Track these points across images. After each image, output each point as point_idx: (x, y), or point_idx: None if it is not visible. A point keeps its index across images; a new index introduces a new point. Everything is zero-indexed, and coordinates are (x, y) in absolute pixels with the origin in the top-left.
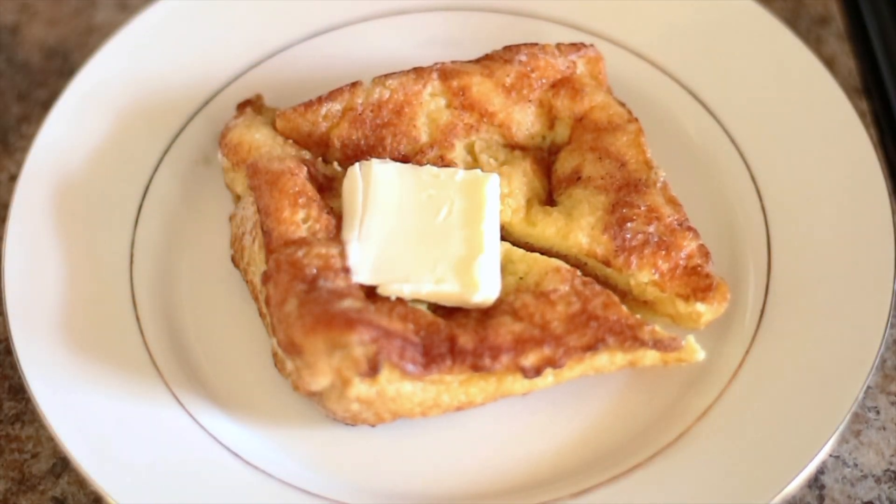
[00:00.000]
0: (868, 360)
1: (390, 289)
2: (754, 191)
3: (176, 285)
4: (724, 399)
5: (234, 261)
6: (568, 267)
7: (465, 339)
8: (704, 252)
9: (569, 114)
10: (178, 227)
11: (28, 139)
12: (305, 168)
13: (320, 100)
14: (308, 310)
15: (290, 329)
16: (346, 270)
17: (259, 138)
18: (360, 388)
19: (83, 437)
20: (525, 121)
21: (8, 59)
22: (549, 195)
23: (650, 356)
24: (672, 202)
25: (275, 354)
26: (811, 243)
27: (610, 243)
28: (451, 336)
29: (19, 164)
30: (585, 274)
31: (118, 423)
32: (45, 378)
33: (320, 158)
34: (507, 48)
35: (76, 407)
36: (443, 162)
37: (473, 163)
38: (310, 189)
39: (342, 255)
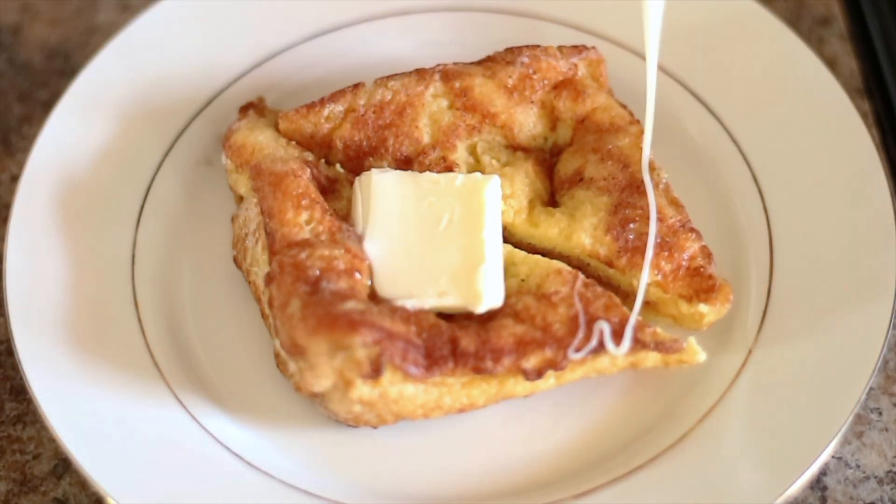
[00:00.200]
0: (870, 362)
1: (394, 304)
2: (756, 191)
3: (178, 286)
4: (726, 400)
5: (237, 262)
6: (569, 269)
7: (467, 342)
8: (707, 253)
9: (571, 115)
10: (179, 228)
11: (30, 140)
12: (308, 170)
13: (322, 101)
14: (311, 311)
15: (293, 330)
16: (350, 272)
17: (262, 140)
18: (363, 389)
19: (85, 437)
20: (527, 122)
21: (9, 59)
22: (551, 196)
23: (652, 358)
24: (674, 203)
25: (277, 356)
26: (813, 244)
27: (613, 244)
28: (453, 338)
29: (21, 165)
30: (588, 275)
31: (120, 423)
32: (47, 379)
33: (323, 160)
34: (509, 50)
35: (78, 408)
36: (445, 163)
37: (475, 164)
38: (313, 191)
39: (345, 257)
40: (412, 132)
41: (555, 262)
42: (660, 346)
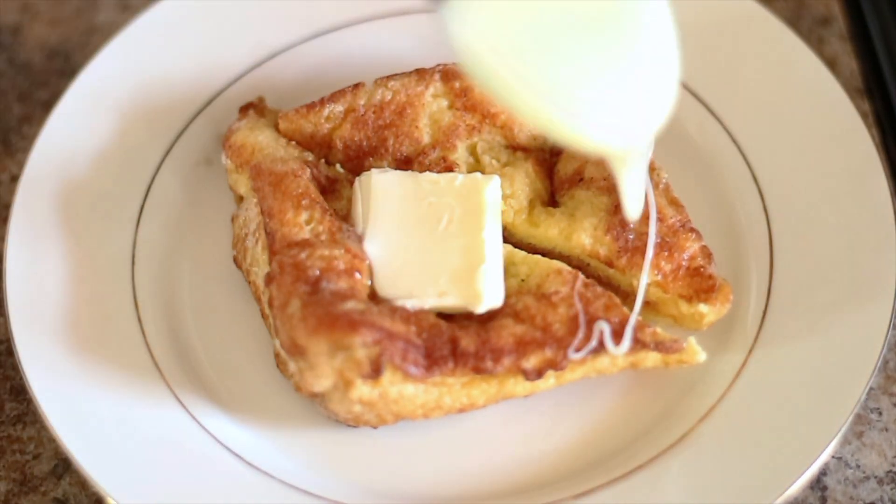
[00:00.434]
0: (870, 362)
1: (394, 304)
2: (756, 191)
3: (178, 286)
4: (726, 400)
5: (237, 262)
6: (569, 269)
7: (467, 342)
8: (707, 253)
9: None
10: (179, 228)
11: (29, 140)
12: (308, 170)
13: (322, 101)
14: (311, 311)
15: (293, 330)
16: (350, 272)
17: (262, 140)
18: (363, 389)
19: (85, 437)
20: (527, 122)
21: (9, 59)
22: (551, 196)
23: (652, 358)
24: (674, 203)
25: (277, 356)
26: (813, 244)
27: (613, 244)
28: (453, 338)
29: (21, 165)
30: (588, 275)
31: (120, 423)
32: (47, 379)
33: (323, 160)
34: None
35: (78, 408)
36: (445, 163)
37: (476, 164)
38: (313, 191)
39: (345, 257)
40: (412, 132)
41: (555, 262)
42: (660, 346)
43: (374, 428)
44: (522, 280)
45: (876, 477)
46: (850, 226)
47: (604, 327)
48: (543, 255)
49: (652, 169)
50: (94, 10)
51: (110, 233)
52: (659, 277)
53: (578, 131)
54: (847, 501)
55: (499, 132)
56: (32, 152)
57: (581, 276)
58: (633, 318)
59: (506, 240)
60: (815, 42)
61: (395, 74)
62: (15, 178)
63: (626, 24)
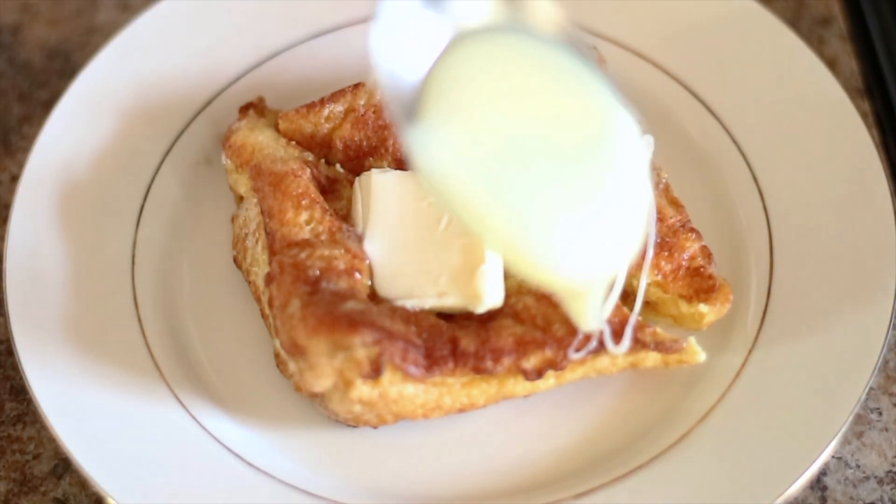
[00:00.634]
0: (870, 362)
1: (394, 304)
2: (756, 191)
3: (178, 286)
4: (726, 400)
5: (237, 262)
6: None
7: (467, 342)
8: (707, 253)
9: None
10: (179, 228)
11: (29, 140)
12: (308, 170)
13: (322, 101)
14: (311, 311)
15: (293, 330)
16: (350, 272)
17: (262, 140)
18: (363, 389)
19: (85, 437)
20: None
21: (9, 59)
22: None
23: (651, 358)
24: (674, 203)
25: (277, 356)
26: (813, 244)
27: None
28: (454, 338)
29: (21, 165)
30: None
31: (120, 423)
32: (47, 379)
33: (323, 160)
34: None
35: (78, 408)
36: None
37: None
38: (313, 191)
39: (345, 257)
40: None
41: None
42: (660, 346)
43: (374, 428)
44: (522, 280)
45: (876, 477)
46: (850, 226)
47: (604, 327)
48: None
49: (652, 169)
50: (94, 10)
51: (110, 233)
52: (659, 277)
53: (542, 266)
54: (847, 501)
55: None
56: (32, 152)
57: None
58: (633, 318)
59: None
60: (815, 42)
61: None
62: (15, 178)
63: (597, 159)
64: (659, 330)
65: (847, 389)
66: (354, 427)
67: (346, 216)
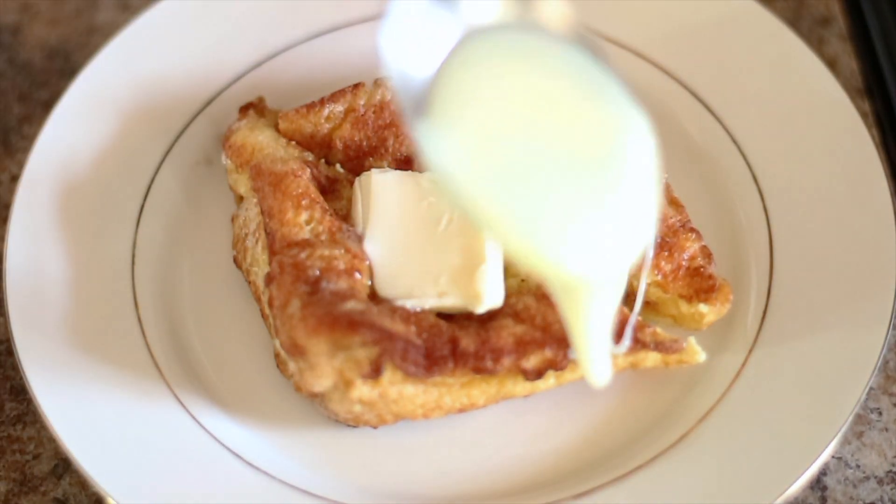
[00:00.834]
0: (870, 362)
1: (394, 304)
2: (756, 191)
3: (178, 286)
4: (726, 400)
5: (237, 262)
6: None
7: (467, 342)
8: (707, 253)
9: None
10: (179, 228)
11: (30, 140)
12: (308, 170)
13: (322, 101)
14: (311, 311)
15: (293, 330)
16: (350, 272)
17: (262, 140)
18: (363, 389)
19: (85, 437)
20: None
21: (9, 59)
22: None
23: (651, 358)
24: (674, 203)
25: (277, 356)
26: (813, 244)
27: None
28: (454, 338)
29: (21, 165)
30: None
31: (120, 423)
32: (47, 379)
33: (323, 160)
34: None
35: (78, 408)
36: None
37: None
38: (313, 191)
39: (345, 257)
40: None
41: None
42: (660, 346)
43: (374, 428)
44: (522, 280)
45: (876, 477)
46: (850, 226)
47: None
48: None
49: None
50: (94, 10)
51: (110, 233)
52: (659, 277)
53: (548, 261)
54: (847, 501)
55: None
56: (32, 152)
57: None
58: (633, 318)
59: None
60: (815, 42)
61: None
62: (15, 178)
63: (609, 158)
64: (659, 330)
65: (847, 389)
66: (354, 427)
67: (346, 216)
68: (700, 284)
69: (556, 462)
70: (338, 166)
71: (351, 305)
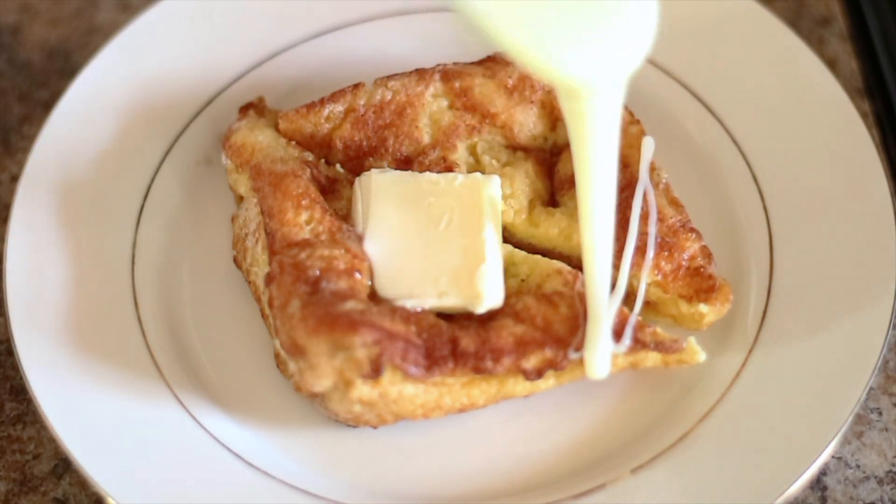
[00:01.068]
0: (870, 362)
1: (394, 304)
2: (756, 191)
3: (178, 286)
4: (726, 400)
5: (237, 262)
6: (570, 269)
7: (467, 342)
8: (707, 253)
9: None
10: (179, 228)
11: (30, 140)
12: (308, 170)
13: (322, 101)
14: (311, 311)
15: (293, 330)
16: (350, 272)
17: (262, 140)
18: (363, 389)
19: (85, 437)
20: (527, 122)
21: (9, 59)
22: (551, 196)
23: (651, 358)
24: (674, 203)
25: (277, 356)
26: (813, 244)
27: (613, 244)
28: (453, 338)
29: (21, 165)
30: None
31: (120, 423)
32: (47, 379)
33: (323, 160)
34: None
35: (78, 408)
36: (445, 163)
37: (475, 164)
38: (313, 191)
39: (345, 257)
40: (412, 132)
41: (555, 262)
42: (660, 346)
43: (374, 428)
44: (523, 280)
45: (876, 477)
46: (850, 226)
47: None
48: (543, 255)
49: (652, 169)
50: (94, 10)
51: (110, 232)
52: (659, 277)
53: (555, 63)
54: (847, 501)
55: (499, 132)
56: (32, 152)
57: (581, 276)
58: (633, 318)
59: (506, 240)
60: (815, 42)
61: (395, 74)
62: (15, 178)
63: None
64: (659, 330)
65: (847, 389)
66: (354, 427)
67: (346, 216)
68: (700, 284)
69: (556, 462)
70: (338, 166)
71: (351, 305)
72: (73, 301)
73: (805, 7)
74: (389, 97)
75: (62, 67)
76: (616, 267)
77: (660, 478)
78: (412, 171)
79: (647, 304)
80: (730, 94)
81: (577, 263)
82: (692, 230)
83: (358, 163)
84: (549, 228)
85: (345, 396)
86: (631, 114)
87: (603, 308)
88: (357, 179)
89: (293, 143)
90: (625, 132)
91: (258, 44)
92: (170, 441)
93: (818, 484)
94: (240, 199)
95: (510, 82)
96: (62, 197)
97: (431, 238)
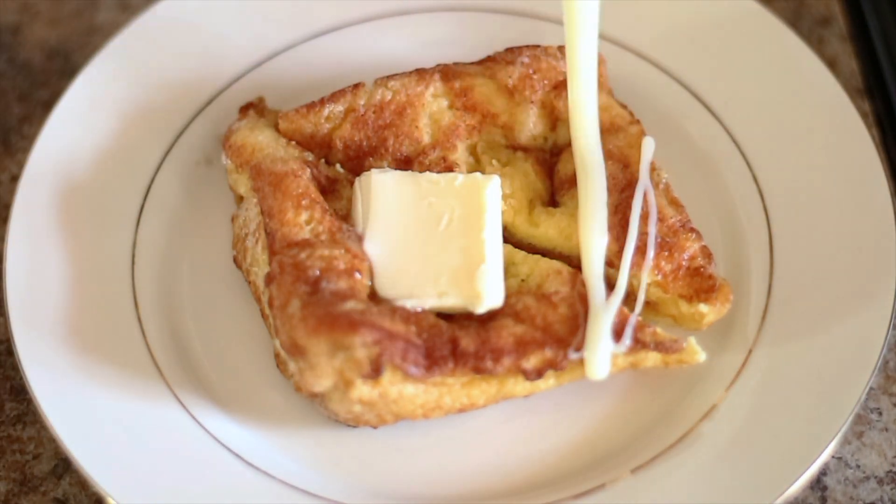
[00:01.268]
0: (870, 362)
1: (394, 304)
2: (756, 191)
3: (178, 286)
4: (726, 400)
5: (237, 262)
6: (570, 269)
7: (467, 342)
8: (707, 253)
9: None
10: (179, 228)
11: (30, 140)
12: (308, 170)
13: (322, 101)
14: (311, 311)
15: (293, 330)
16: (350, 272)
17: (262, 140)
18: (363, 389)
19: (85, 437)
20: (527, 122)
21: (9, 59)
22: (551, 196)
23: (652, 358)
24: (675, 203)
25: (277, 356)
26: (813, 244)
27: (613, 244)
28: (454, 338)
29: (21, 165)
30: None
31: (120, 423)
32: (47, 379)
33: (323, 160)
34: (510, 50)
35: (78, 408)
36: (445, 163)
37: (475, 164)
38: (313, 191)
39: (345, 257)
40: (412, 132)
41: (555, 262)
42: (660, 346)
43: (374, 428)
44: (523, 280)
45: (876, 477)
46: (850, 226)
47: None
48: (543, 255)
49: (652, 169)
50: (94, 10)
51: (110, 232)
52: (659, 277)
53: None
54: (847, 501)
55: (499, 132)
56: (32, 152)
57: (581, 276)
58: (633, 318)
59: (506, 240)
60: (815, 42)
61: (395, 74)
62: (15, 178)
63: None
64: (659, 330)
65: (847, 389)
66: (354, 427)
67: (346, 216)
68: (700, 284)
69: (555, 462)
70: (338, 166)
71: (351, 305)
72: (73, 301)
73: (805, 7)
74: (389, 97)
75: (62, 67)
76: (616, 267)
77: (660, 478)
78: (412, 171)
79: (647, 304)
80: (730, 94)
81: (577, 263)
82: (692, 230)
83: (358, 163)
84: (549, 228)
85: (345, 396)
86: (631, 114)
87: (603, 308)
88: (357, 179)
89: (293, 143)
90: (625, 132)
91: (258, 44)
92: (170, 441)
93: (818, 484)
94: (240, 199)
95: (510, 82)
96: (62, 197)
97: (431, 238)
